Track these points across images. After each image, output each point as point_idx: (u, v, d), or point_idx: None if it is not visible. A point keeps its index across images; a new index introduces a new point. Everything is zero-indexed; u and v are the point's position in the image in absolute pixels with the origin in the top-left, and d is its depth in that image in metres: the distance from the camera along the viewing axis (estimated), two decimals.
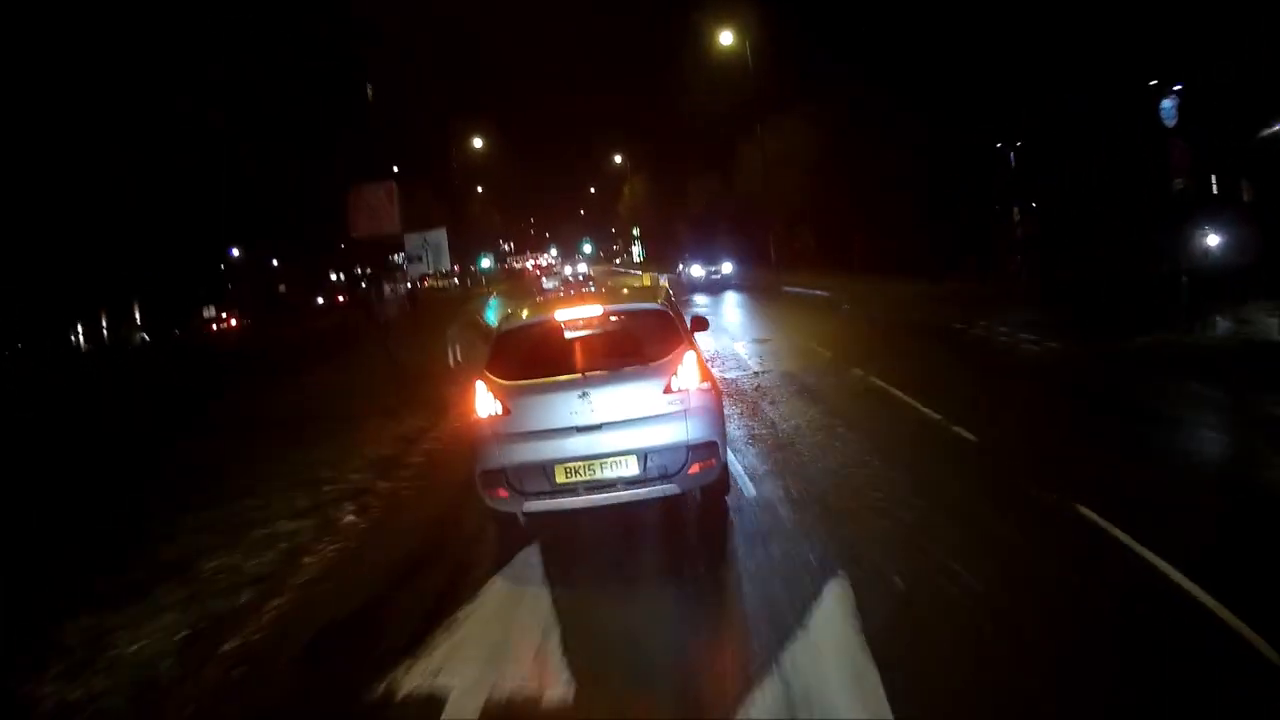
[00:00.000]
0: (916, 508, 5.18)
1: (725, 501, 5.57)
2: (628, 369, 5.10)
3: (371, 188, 10.58)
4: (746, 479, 6.04)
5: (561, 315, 5.38)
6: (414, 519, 6.43)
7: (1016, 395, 8.51)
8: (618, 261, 71.23)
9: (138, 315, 42.22)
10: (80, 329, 39.75)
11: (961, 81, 21.23)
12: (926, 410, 7.62)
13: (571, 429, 4.92)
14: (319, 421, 10.10)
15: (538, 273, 52.19)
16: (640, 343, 5.24)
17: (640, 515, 5.60)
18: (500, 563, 5.02)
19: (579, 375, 5.07)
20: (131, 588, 5.36)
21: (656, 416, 4.95)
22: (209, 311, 49.67)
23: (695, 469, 4.94)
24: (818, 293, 21.83)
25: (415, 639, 4.13)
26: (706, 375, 5.21)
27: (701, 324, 7.06)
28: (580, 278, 41.74)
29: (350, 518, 6.37)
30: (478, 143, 51.08)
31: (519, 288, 39.92)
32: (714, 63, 34.24)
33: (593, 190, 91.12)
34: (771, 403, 8.67)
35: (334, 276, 55.85)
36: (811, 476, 6.02)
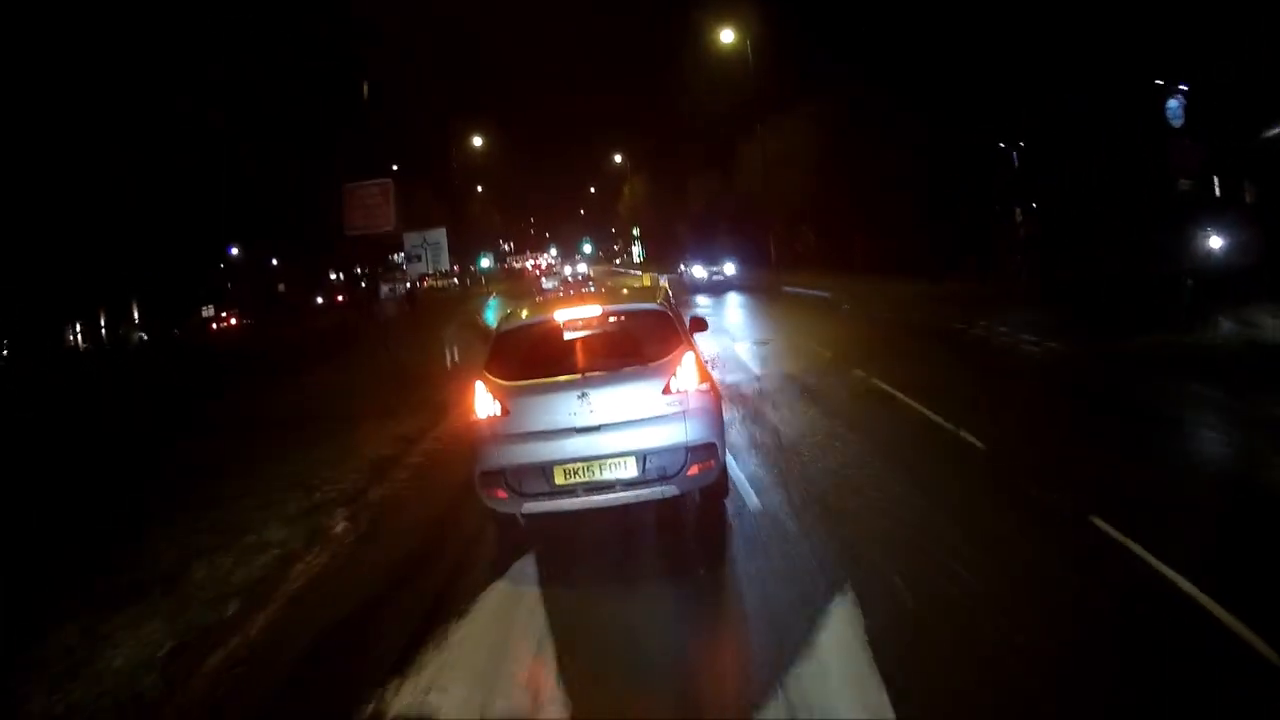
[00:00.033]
0: (925, 519, 5.02)
1: (725, 507, 5.47)
2: (627, 370, 5.07)
3: (366, 186, 10.45)
4: (749, 487, 5.89)
5: (561, 315, 5.34)
6: (406, 526, 6.30)
7: (1021, 398, 8.37)
8: (618, 262, 71.10)
9: (136, 315, 42.12)
10: (79, 328, 39.67)
11: (962, 81, 21.12)
12: (931, 414, 7.48)
13: (571, 430, 4.90)
14: (315, 423, 9.98)
15: (537, 273, 52.16)
16: (639, 343, 5.22)
17: (639, 525, 5.48)
18: (495, 573, 4.90)
19: (578, 376, 5.05)
20: (118, 595, 5.26)
21: (655, 418, 4.92)
22: (208, 311, 49.60)
23: (694, 470, 4.91)
24: (818, 293, 21.69)
25: (405, 655, 4.02)
26: (705, 376, 5.18)
27: (700, 325, 7.02)
28: (579, 278, 41.62)
29: (342, 525, 6.23)
30: (478, 142, 50.94)
31: (519, 288, 39.84)
32: (714, 62, 34.15)
33: (593, 190, 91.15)
34: (774, 406, 8.53)
35: (334, 276, 55.73)
36: (816, 485, 5.85)
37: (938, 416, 7.37)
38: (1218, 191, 18.00)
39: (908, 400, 8.11)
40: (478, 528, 5.95)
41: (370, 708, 3.57)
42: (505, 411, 5.00)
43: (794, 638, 3.63)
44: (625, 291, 7.15)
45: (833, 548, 4.71)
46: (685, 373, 5.04)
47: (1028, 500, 5.21)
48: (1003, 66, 19.71)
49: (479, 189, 66.57)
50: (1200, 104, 16.20)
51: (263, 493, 7.08)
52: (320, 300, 54.21)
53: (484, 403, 5.08)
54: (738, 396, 9.20)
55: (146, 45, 29.03)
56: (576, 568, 5.04)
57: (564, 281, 37.76)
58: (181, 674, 4.32)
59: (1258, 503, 4.95)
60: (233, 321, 47.74)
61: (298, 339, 29.06)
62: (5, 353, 34.79)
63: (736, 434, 7.48)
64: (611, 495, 4.91)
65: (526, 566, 4.93)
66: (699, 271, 28.68)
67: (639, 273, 40.65)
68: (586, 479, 4.90)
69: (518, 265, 72.57)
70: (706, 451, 4.95)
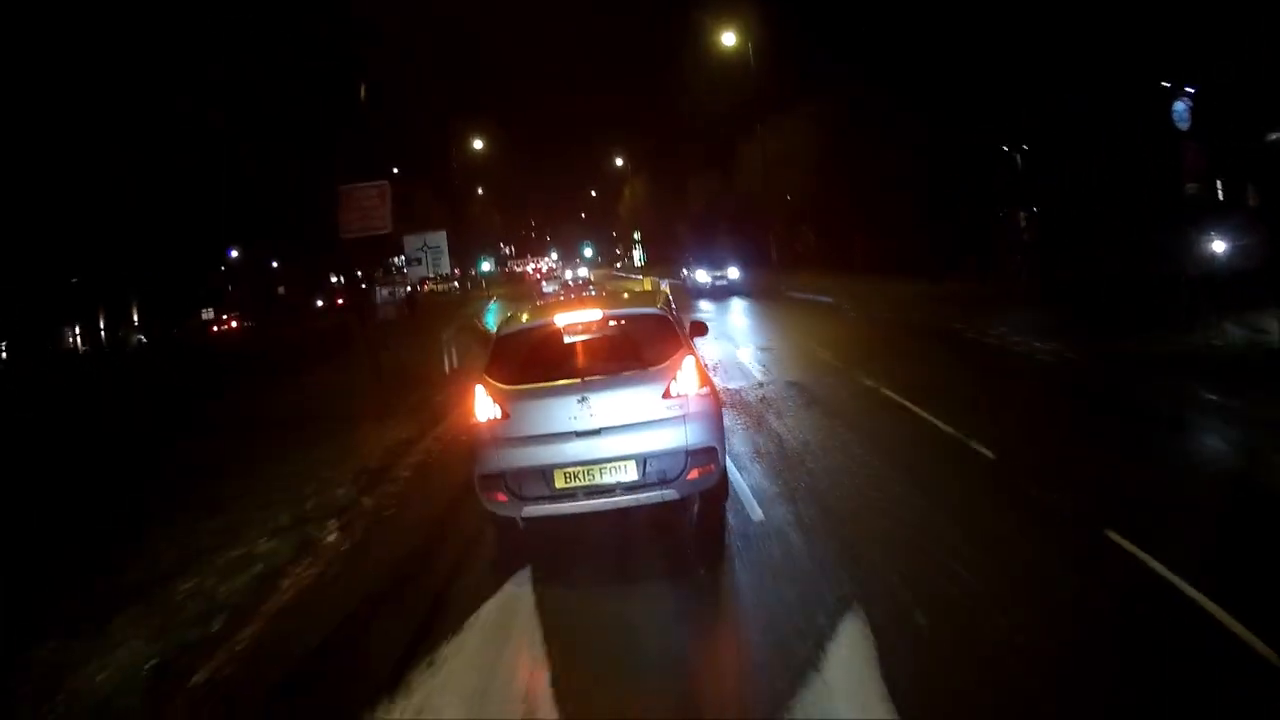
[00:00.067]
0: (938, 535, 4.83)
1: (727, 519, 5.34)
2: (627, 374, 5.08)
3: (363, 187, 10.30)
4: (753, 500, 5.69)
5: (561, 319, 5.35)
6: (397, 538, 6.10)
7: (1029, 404, 8.20)
8: (618, 265, 70.89)
9: (135, 317, 42.00)
10: (78, 330, 39.54)
11: (963, 81, 21.01)
12: (938, 422, 7.30)
13: (571, 433, 4.90)
14: (309, 427, 9.84)
15: (538, 276, 51.99)
16: (639, 347, 5.22)
17: (637, 540, 5.31)
18: (489, 590, 4.71)
19: (578, 380, 5.05)
20: (101, 608, 5.13)
21: (656, 421, 4.93)
22: (208, 313, 49.49)
23: (694, 474, 4.91)
24: (821, 297, 21.50)
25: (395, 676, 3.87)
26: (706, 380, 5.18)
27: (701, 329, 7.02)
28: (580, 282, 41.46)
29: (332, 536, 6.06)
30: (478, 144, 50.75)
31: (519, 291, 39.70)
32: (714, 62, 34.03)
33: (594, 193, 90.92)
34: (778, 414, 8.33)
35: (334, 279, 55.55)
36: (823, 498, 5.65)
37: (946, 424, 7.19)
38: (1220, 194, 17.90)
39: (914, 407, 7.92)
40: (471, 538, 5.81)
41: None
42: (505, 415, 5.00)
43: (802, 666, 3.45)
44: (626, 296, 7.11)
45: (842, 566, 4.52)
46: (685, 377, 5.03)
47: (1042, 513, 5.04)
48: (1003, 67, 19.59)
49: (479, 191, 66.45)
50: (1203, 106, 16.07)
51: (252, 500, 6.96)
52: (320, 303, 54.05)
53: (484, 406, 5.08)
54: (740, 403, 9.02)
55: (146, 45, 28.90)
56: (573, 585, 4.86)
57: (564, 285, 37.58)
58: (164, 693, 4.17)
59: None
60: (233, 324, 47.62)
61: (296, 342, 28.97)
62: (3, 354, 34.65)
63: (740, 442, 7.31)
64: (611, 499, 4.90)
65: (521, 583, 4.75)
66: (702, 276, 27.53)
67: (640, 276, 40.45)
68: (586, 483, 4.89)
69: (518, 269, 72.44)
70: (707, 455, 4.95)
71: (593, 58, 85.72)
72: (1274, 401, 6.94)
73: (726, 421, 7.89)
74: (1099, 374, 9.29)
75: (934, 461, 6.32)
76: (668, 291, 8.27)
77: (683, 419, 4.94)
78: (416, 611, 4.66)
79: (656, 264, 53.39)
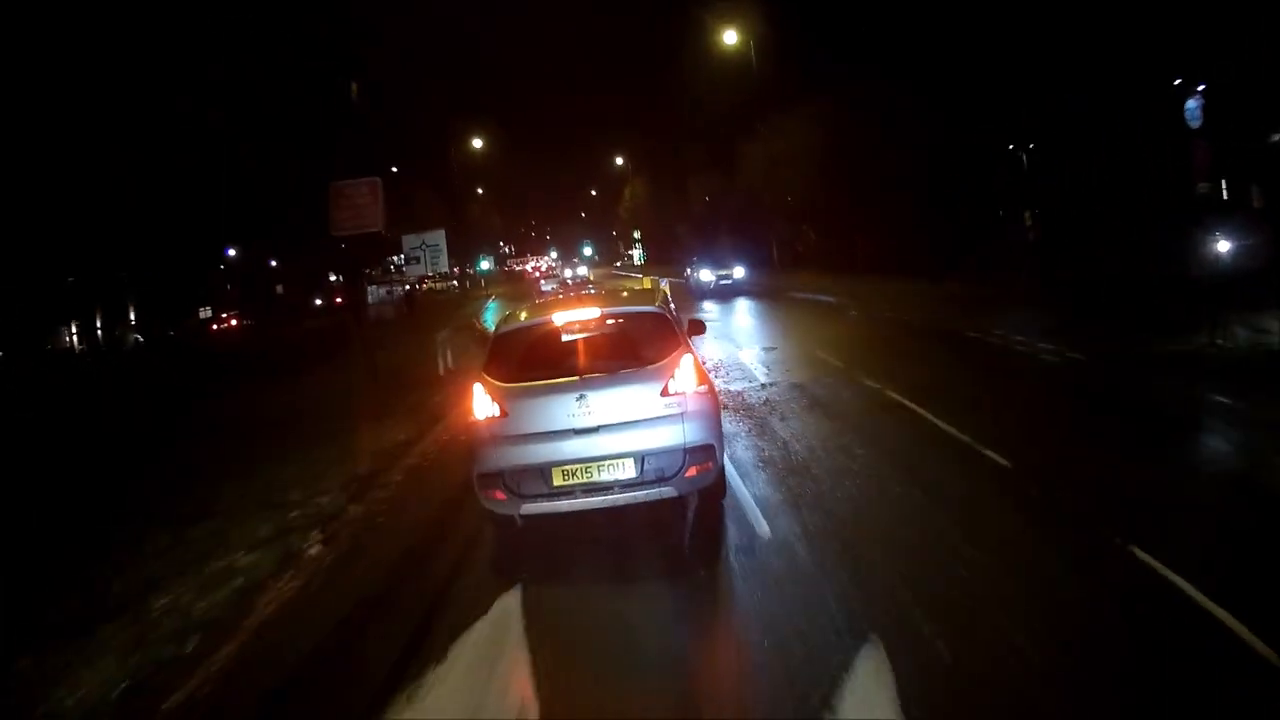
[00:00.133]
0: (957, 554, 4.55)
1: (730, 530, 5.10)
2: (625, 371, 5.08)
3: (355, 184, 10.06)
4: (758, 512, 5.39)
5: (559, 318, 5.36)
6: (384, 552, 5.80)
7: (1041, 409, 7.91)
8: (618, 264, 70.68)
9: (132, 316, 41.81)
10: (75, 329, 39.32)
11: (965, 81, 20.80)
12: (950, 429, 7.01)
13: (569, 431, 4.90)
14: (299, 431, 9.60)
15: (537, 275, 51.79)
16: (638, 345, 5.23)
17: (635, 558, 5.03)
18: (477, 610, 4.44)
19: (577, 378, 5.05)
20: (77, 625, 4.92)
21: (654, 419, 4.93)
22: (206, 312, 49.30)
23: (692, 472, 4.92)
24: (825, 297, 21.24)
25: (375, 705, 3.61)
26: (704, 378, 5.18)
27: (699, 328, 7.06)
28: (579, 280, 41.24)
29: (315, 549, 5.79)
30: (477, 143, 50.52)
31: (519, 290, 39.48)
32: (715, 62, 33.81)
33: (594, 193, 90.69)
34: (782, 419, 8.04)
35: (333, 278, 55.35)
36: (833, 511, 5.34)
37: (955, 429, 6.92)
38: (1225, 195, 17.72)
39: (922, 411, 7.63)
40: (463, 550, 5.56)
41: None
42: (504, 413, 5.00)
43: (817, 697, 3.19)
44: (624, 294, 6.99)
45: (855, 586, 4.23)
46: (683, 375, 5.03)
47: (1066, 531, 4.77)
48: (1005, 66, 19.38)
49: (479, 191, 66.26)
50: (1210, 106, 15.87)
51: (238, 507, 6.70)
52: (319, 302, 53.84)
53: (482, 404, 5.07)
54: (743, 407, 8.73)
55: (146, 45, 28.72)
56: (565, 607, 4.57)
57: (562, 284, 37.37)
58: (138, 717, 3.94)
59: None
60: (233, 323, 47.42)
61: (294, 341, 28.82)
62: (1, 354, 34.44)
63: (743, 448, 7.04)
64: (609, 496, 4.90)
65: (511, 604, 4.47)
66: (706, 276, 26.82)
67: (639, 275, 40.18)
68: (585, 480, 4.90)
69: (517, 268, 72.28)
70: (705, 453, 4.95)
71: (593, 58, 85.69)
72: None
73: (729, 426, 7.69)
74: (1106, 376, 9.03)
75: (948, 471, 6.02)
76: (667, 290, 8.08)
77: (681, 417, 4.93)
78: (403, 630, 4.40)
79: (657, 263, 53.15)
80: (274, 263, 52.24)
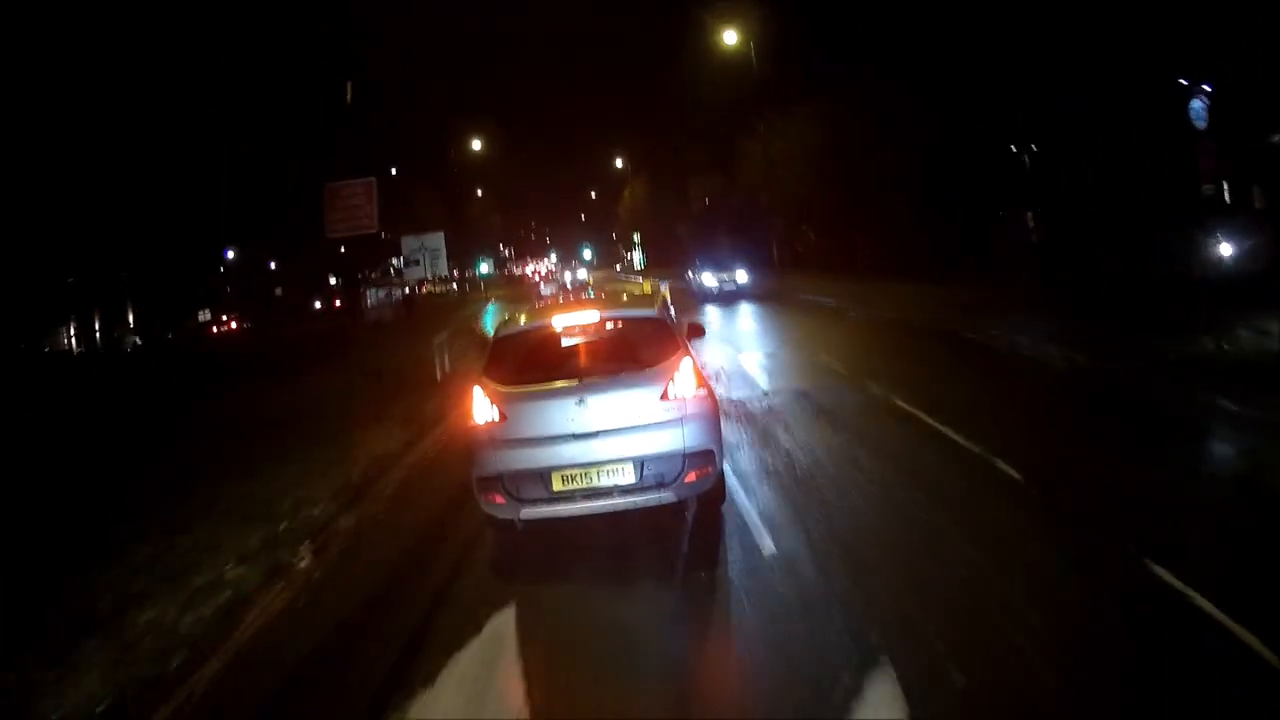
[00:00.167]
0: (970, 571, 4.38)
1: (734, 549, 4.92)
2: (625, 376, 5.07)
3: (349, 185, 9.90)
4: (762, 527, 5.20)
5: (559, 321, 5.35)
6: (374, 566, 5.61)
7: (1052, 418, 7.72)
8: (618, 267, 70.53)
9: (131, 318, 41.66)
10: (73, 330, 39.16)
11: (965, 80, 20.70)
12: (958, 438, 6.82)
13: (568, 436, 4.88)
14: (293, 437, 9.42)
15: (536, 278, 51.70)
16: (637, 349, 5.22)
17: (641, 575, 4.85)
18: (470, 629, 4.26)
19: (576, 382, 5.04)
20: (59, 640, 4.76)
21: (653, 424, 4.91)
22: (204, 315, 49.15)
23: (692, 477, 4.90)
24: (824, 300, 21.06)
25: None
26: (703, 383, 5.16)
27: (698, 332, 7.05)
28: (578, 284, 41.10)
29: (304, 562, 5.61)
30: (477, 144, 50.36)
31: (518, 293, 39.32)
32: (714, 61, 33.70)
33: (594, 195, 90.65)
34: (786, 428, 7.85)
35: (333, 280, 55.19)
36: (841, 527, 5.14)
37: (965, 439, 6.73)
38: (1227, 196, 17.62)
39: (933, 423, 7.41)
40: (457, 564, 5.39)
41: None
42: (503, 417, 4.99)
43: None
44: (624, 298, 6.91)
45: (865, 605, 4.05)
46: (683, 379, 5.01)
47: (1079, 545, 4.61)
48: (1005, 66, 19.25)
49: (479, 193, 66.15)
50: (1214, 107, 15.75)
51: (227, 517, 6.52)
52: (319, 304, 53.67)
53: (482, 408, 5.06)
54: (746, 416, 8.53)
55: (146, 45, 28.62)
56: (562, 625, 4.37)
57: (562, 288, 37.20)
58: None
59: None
60: (232, 325, 47.25)
61: (292, 344, 28.63)
62: None
63: (746, 459, 6.86)
64: (609, 501, 4.88)
65: (505, 624, 4.29)
66: (708, 279, 26.07)
67: (639, 279, 39.98)
68: (584, 485, 4.88)
69: (517, 271, 72.24)
70: (704, 458, 4.94)
71: (593, 58, 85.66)
72: None
73: (731, 435, 7.51)
74: (1115, 382, 8.86)
75: (960, 485, 5.83)
76: (666, 294, 7.95)
77: (680, 421, 4.90)
78: (391, 649, 4.23)
79: (657, 266, 52.97)
80: (273, 265, 52.12)
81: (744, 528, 5.25)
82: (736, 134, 34.79)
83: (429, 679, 3.79)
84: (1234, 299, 10.37)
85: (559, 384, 5.06)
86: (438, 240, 23.01)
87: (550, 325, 5.37)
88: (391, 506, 6.94)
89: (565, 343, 5.29)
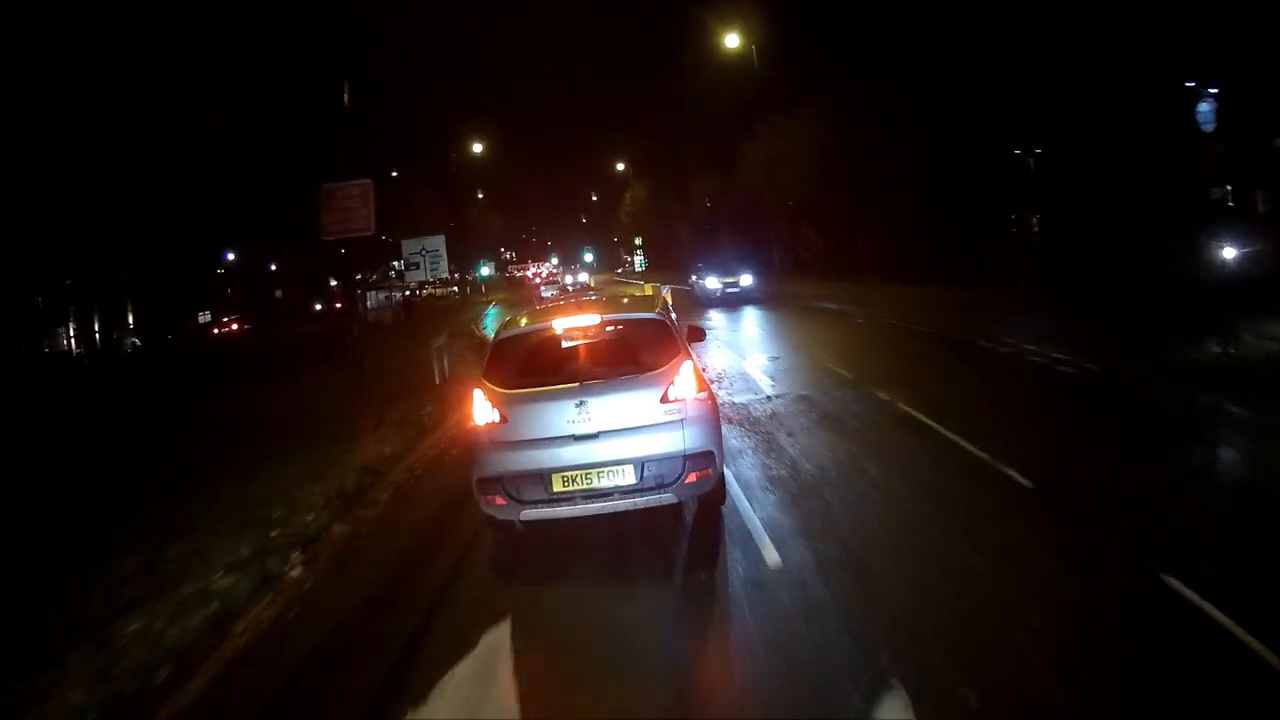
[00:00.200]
0: (982, 584, 4.25)
1: (738, 560, 4.79)
2: (625, 378, 5.09)
3: (345, 186, 9.77)
4: (766, 537, 5.05)
5: (559, 323, 5.35)
6: (365, 577, 5.46)
7: (1057, 422, 7.60)
8: (619, 271, 70.44)
9: (130, 318, 41.58)
10: (72, 331, 39.06)
11: (967, 81, 20.59)
12: (967, 445, 6.68)
13: (569, 437, 4.91)
14: (287, 441, 9.27)
15: (537, 281, 51.61)
16: (637, 351, 5.24)
17: (641, 590, 4.70)
18: (463, 646, 4.10)
19: (576, 384, 5.05)
20: (43, 651, 4.62)
21: (653, 425, 4.94)
22: (205, 316, 49.08)
23: (692, 478, 4.93)
24: (827, 304, 20.93)
25: None
26: (703, 385, 5.19)
27: (698, 334, 7.07)
28: (579, 287, 40.98)
29: (295, 571, 5.46)
30: (477, 146, 50.19)
31: (519, 296, 39.22)
32: (715, 61, 33.58)
33: (594, 197, 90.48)
34: (790, 434, 7.70)
35: (334, 282, 55.07)
36: (848, 538, 4.98)
37: (972, 446, 6.59)
38: (1230, 199, 17.52)
39: (942, 430, 7.24)
40: (452, 573, 5.26)
41: None
42: (503, 418, 5.02)
43: None
44: (625, 300, 6.82)
45: (873, 622, 3.89)
46: (683, 381, 5.04)
47: (1095, 558, 4.47)
48: (1006, 66, 19.14)
49: (479, 195, 66.06)
50: (1221, 109, 15.65)
51: (217, 524, 6.37)
52: (319, 306, 53.57)
53: (482, 410, 5.09)
54: (749, 421, 8.39)
55: (146, 44, 28.52)
56: (559, 641, 4.22)
57: (563, 290, 37.08)
58: None
59: None
60: (234, 327, 47.17)
61: (292, 346, 28.60)
62: None
63: (749, 466, 6.71)
64: (609, 503, 4.91)
65: (500, 639, 4.14)
66: (712, 283, 25.71)
67: (640, 282, 39.87)
68: (584, 486, 4.91)
69: (518, 274, 72.14)
70: (704, 459, 4.96)
71: (593, 58, 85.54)
72: None
73: (734, 442, 7.38)
74: (1122, 386, 8.74)
75: (967, 492, 5.69)
76: (667, 297, 7.85)
77: (680, 423, 4.93)
78: (383, 664, 4.09)
79: (658, 270, 52.85)
80: (273, 266, 52.06)
81: (747, 538, 5.10)
82: (737, 134, 34.64)
83: (421, 697, 3.65)
84: (1239, 304, 10.25)
85: (560, 386, 5.06)
86: (438, 243, 22.86)
87: (551, 327, 5.36)
88: (387, 512, 6.80)
89: (566, 344, 5.29)
